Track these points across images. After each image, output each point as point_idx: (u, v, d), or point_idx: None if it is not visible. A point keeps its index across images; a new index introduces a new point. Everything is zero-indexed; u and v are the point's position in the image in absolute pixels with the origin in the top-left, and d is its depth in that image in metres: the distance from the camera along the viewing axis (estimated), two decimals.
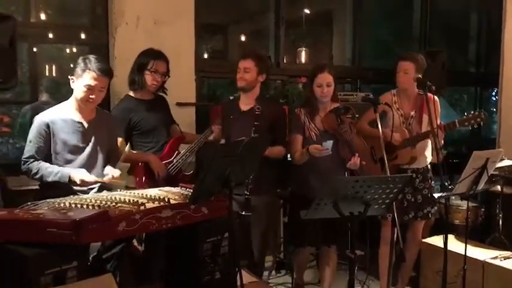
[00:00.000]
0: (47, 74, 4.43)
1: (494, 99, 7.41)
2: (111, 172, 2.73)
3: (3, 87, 3.02)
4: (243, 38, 5.56)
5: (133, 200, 2.32)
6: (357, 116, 3.17)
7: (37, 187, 2.86)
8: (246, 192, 3.01)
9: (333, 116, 3.13)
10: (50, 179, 2.65)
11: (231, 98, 3.43)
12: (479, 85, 6.34)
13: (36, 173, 2.67)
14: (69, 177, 2.62)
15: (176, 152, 3.31)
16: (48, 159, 2.72)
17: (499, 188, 3.99)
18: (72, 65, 4.24)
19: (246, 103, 3.27)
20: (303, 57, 5.19)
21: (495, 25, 5.97)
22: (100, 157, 2.83)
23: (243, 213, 3.04)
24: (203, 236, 2.48)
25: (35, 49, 4.01)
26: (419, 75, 3.37)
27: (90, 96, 2.70)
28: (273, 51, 4.92)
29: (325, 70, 3.16)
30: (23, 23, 3.85)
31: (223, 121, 3.32)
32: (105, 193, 2.53)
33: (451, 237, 3.53)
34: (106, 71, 2.73)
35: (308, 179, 3.17)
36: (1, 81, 2.68)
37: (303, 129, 3.22)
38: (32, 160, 2.69)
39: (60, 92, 4.54)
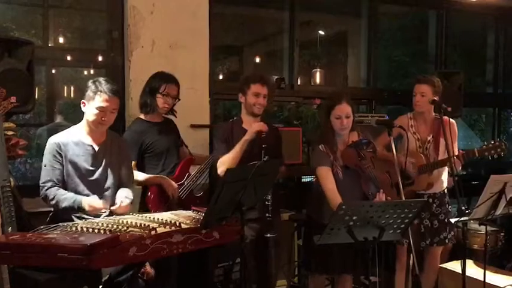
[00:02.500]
0: (65, 95, 4.52)
1: None
2: (120, 200, 2.72)
3: (20, 111, 3.06)
4: (257, 60, 5.61)
5: (144, 224, 2.31)
6: (378, 149, 3.05)
7: (51, 209, 2.88)
8: (267, 214, 3.01)
9: (353, 151, 2.95)
10: (64, 205, 2.64)
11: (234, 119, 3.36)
12: (498, 106, 6.25)
13: (53, 199, 2.67)
14: (81, 204, 2.62)
15: (187, 174, 3.32)
16: (65, 182, 2.73)
17: None
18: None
19: (249, 126, 3.19)
20: (318, 78, 5.19)
21: None
22: (110, 180, 2.82)
23: (268, 235, 3.02)
24: (214, 261, 2.46)
25: (53, 71, 4.10)
26: (436, 98, 3.34)
27: (103, 118, 2.72)
28: (287, 73, 4.93)
29: (343, 101, 2.96)
30: (42, 46, 3.93)
31: (230, 142, 3.19)
32: (116, 217, 2.53)
33: (469, 262, 3.45)
34: (117, 92, 2.77)
35: (325, 206, 3.08)
36: (18, 104, 2.70)
37: (332, 164, 3.00)
38: (50, 184, 2.69)
39: (77, 113, 4.62)
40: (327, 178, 2.94)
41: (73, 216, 2.65)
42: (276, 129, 3.49)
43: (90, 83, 2.75)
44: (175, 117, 3.43)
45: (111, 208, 2.69)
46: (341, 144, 3.05)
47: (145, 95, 3.26)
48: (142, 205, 3.20)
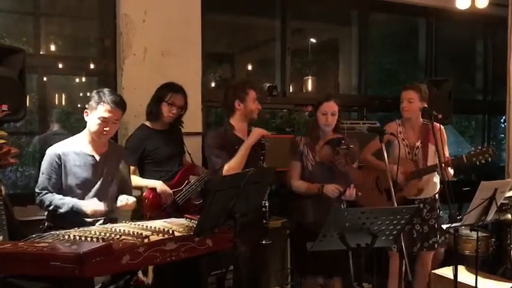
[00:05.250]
0: (56, 103, 4.49)
1: (503, 125, 7.36)
2: (125, 199, 2.76)
3: (12, 119, 3.05)
4: (249, 67, 5.62)
5: (137, 233, 2.31)
6: (351, 146, 3.12)
7: (43, 217, 2.86)
8: (264, 220, 3.02)
9: (328, 147, 3.16)
10: (63, 210, 2.65)
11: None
12: (487, 113, 6.31)
13: (50, 205, 2.68)
14: (82, 209, 2.63)
15: (186, 181, 3.35)
16: (61, 190, 2.73)
17: (509, 216, 3.92)
18: (81, 94, 4.31)
19: (242, 132, 3.23)
20: (309, 86, 5.21)
21: (502, 53, 5.99)
22: (111, 190, 2.84)
23: (263, 242, 3.02)
24: (208, 269, 2.46)
25: (45, 78, 4.08)
26: (424, 104, 3.38)
27: (105, 129, 2.73)
28: (279, 80, 4.95)
29: (331, 99, 3.22)
30: (34, 54, 3.92)
31: (222, 150, 3.18)
32: (109, 225, 2.53)
33: (461, 268, 3.48)
34: (120, 104, 2.78)
35: (310, 210, 3.15)
36: (10, 112, 2.70)
37: (301, 157, 3.25)
38: (45, 192, 2.71)
39: (69, 121, 4.60)
40: (293, 173, 3.26)
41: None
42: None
43: (94, 93, 2.77)
44: (182, 127, 3.48)
45: (117, 206, 2.73)
46: (322, 141, 3.24)
47: (152, 103, 3.32)
48: (138, 209, 3.18)
